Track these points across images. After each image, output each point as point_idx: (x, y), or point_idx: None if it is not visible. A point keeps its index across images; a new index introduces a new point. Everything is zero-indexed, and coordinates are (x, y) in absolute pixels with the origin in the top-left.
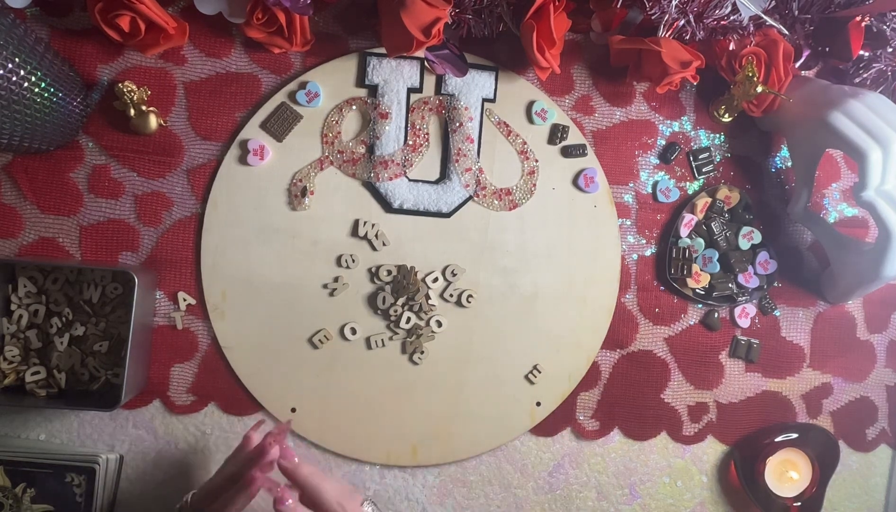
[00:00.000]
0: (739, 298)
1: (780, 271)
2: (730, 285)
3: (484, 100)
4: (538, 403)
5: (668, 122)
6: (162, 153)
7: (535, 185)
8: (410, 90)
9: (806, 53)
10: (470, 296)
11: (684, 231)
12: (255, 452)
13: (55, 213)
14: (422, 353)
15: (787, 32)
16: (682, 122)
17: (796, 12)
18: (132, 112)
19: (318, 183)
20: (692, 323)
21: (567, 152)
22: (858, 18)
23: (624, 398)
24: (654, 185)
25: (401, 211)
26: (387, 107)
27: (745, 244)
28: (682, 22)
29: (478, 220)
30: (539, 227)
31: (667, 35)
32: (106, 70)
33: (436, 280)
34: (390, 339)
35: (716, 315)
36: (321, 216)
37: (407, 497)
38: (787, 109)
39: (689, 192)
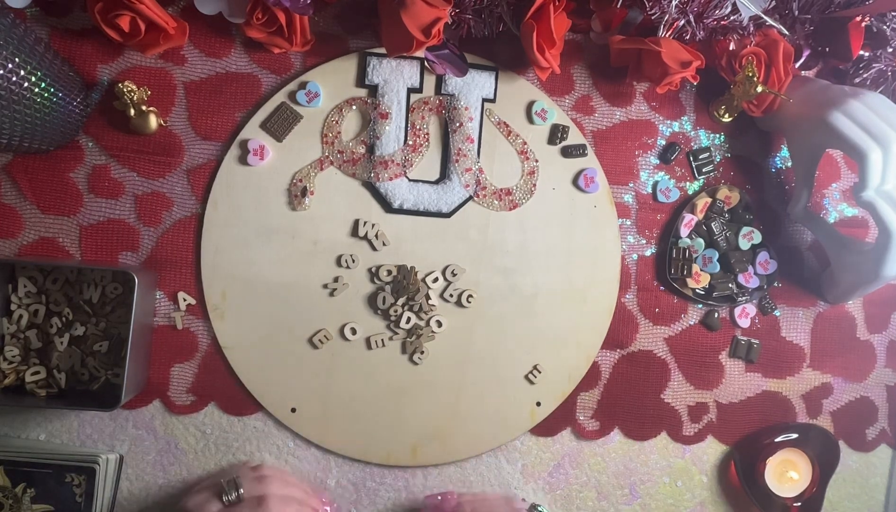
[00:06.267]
0: (739, 298)
1: (780, 271)
2: (730, 285)
3: (484, 100)
4: (538, 403)
5: (668, 122)
6: (162, 153)
7: (535, 185)
8: (410, 90)
9: (806, 53)
10: (470, 296)
11: (684, 231)
12: None
13: (55, 213)
14: (422, 353)
15: (787, 32)
16: (682, 122)
17: (796, 12)
18: (132, 112)
19: (318, 183)
20: (692, 323)
21: (567, 152)
22: (858, 18)
23: (624, 398)
24: (654, 185)
25: (401, 211)
26: (387, 107)
27: (745, 244)
28: (682, 22)
29: (478, 220)
30: (539, 228)
31: (667, 35)
32: (106, 70)
33: (436, 280)
34: (390, 339)
35: (716, 315)
36: (321, 216)
37: (407, 497)
38: (787, 109)
39: (689, 192)
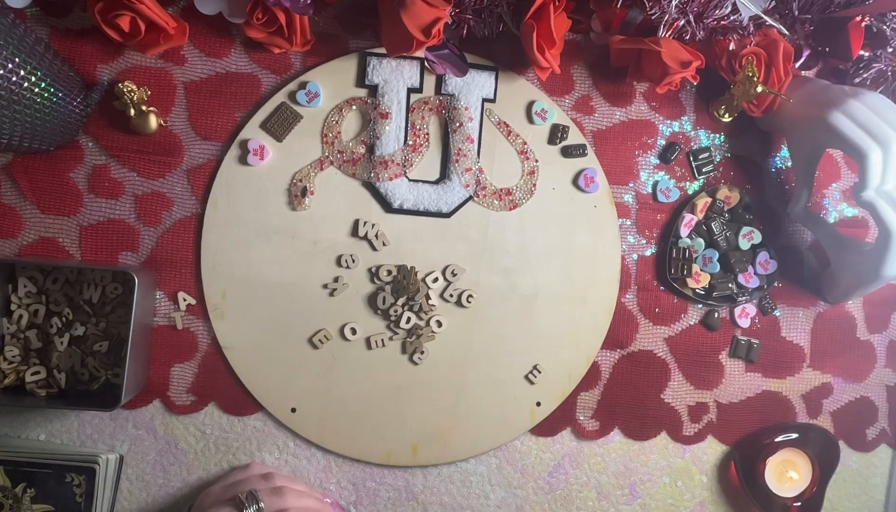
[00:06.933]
0: (739, 298)
1: (780, 271)
2: (730, 285)
3: (484, 100)
4: (538, 403)
5: (668, 122)
6: (162, 153)
7: (535, 185)
8: (410, 90)
9: (806, 53)
10: (470, 296)
11: (684, 231)
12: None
13: (55, 214)
14: (422, 353)
15: (787, 32)
16: (682, 122)
17: (796, 12)
18: (132, 112)
19: (318, 183)
20: (692, 323)
21: (567, 152)
22: (858, 18)
23: (624, 398)
24: (654, 185)
25: (401, 211)
26: (387, 107)
27: (745, 244)
28: (682, 22)
29: (478, 220)
30: (539, 228)
31: (667, 35)
32: (106, 70)
33: (436, 280)
34: (390, 339)
35: (716, 315)
36: (321, 216)
37: (407, 497)
38: (787, 109)
39: (689, 192)
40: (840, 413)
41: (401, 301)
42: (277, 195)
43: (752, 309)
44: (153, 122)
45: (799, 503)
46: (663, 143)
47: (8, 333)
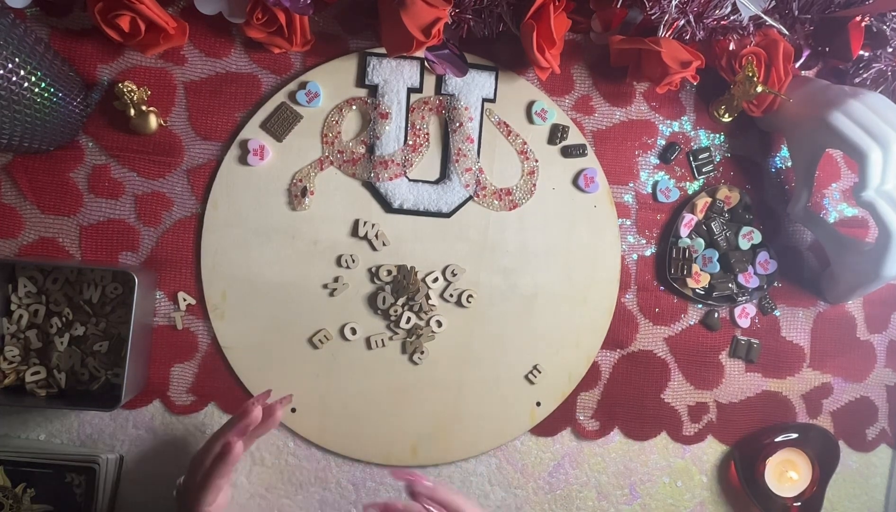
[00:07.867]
0: (739, 298)
1: (780, 271)
2: (730, 285)
3: (484, 100)
4: (538, 403)
5: (668, 122)
6: (162, 153)
7: (535, 185)
8: (410, 90)
9: (806, 53)
10: (470, 296)
11: (684, 231)
12: (237, 417)
13: (55, 214)
14: (422, 353)
15: (787, 32)
16: (682, 122)
17: (796, 12)
18: (132, 112)
19: (318, 183)
20: (692, 323)
21: (567, 152)
22: (858, 18)
23: (624, 398)
24: (654, 185)
25: (401, 211)
26: (387, 107)
27: (745, 244)
28: (682, 22)
29: (478, 220)
30: (539, 228)
31: (667, 35)
32: (106, 70)
33: (436, 280)
34: (390, 339)
35: (716, 315)
36: (321, 216)
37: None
38: (787, 109)
39: (689, 192)
40: (840, 413)
41: (401, 301)
42: (277, 195)
43: (752, 309)
44: (153, 122)
45: (799, 503)
46: (663, 143)
47: (8, 333)
